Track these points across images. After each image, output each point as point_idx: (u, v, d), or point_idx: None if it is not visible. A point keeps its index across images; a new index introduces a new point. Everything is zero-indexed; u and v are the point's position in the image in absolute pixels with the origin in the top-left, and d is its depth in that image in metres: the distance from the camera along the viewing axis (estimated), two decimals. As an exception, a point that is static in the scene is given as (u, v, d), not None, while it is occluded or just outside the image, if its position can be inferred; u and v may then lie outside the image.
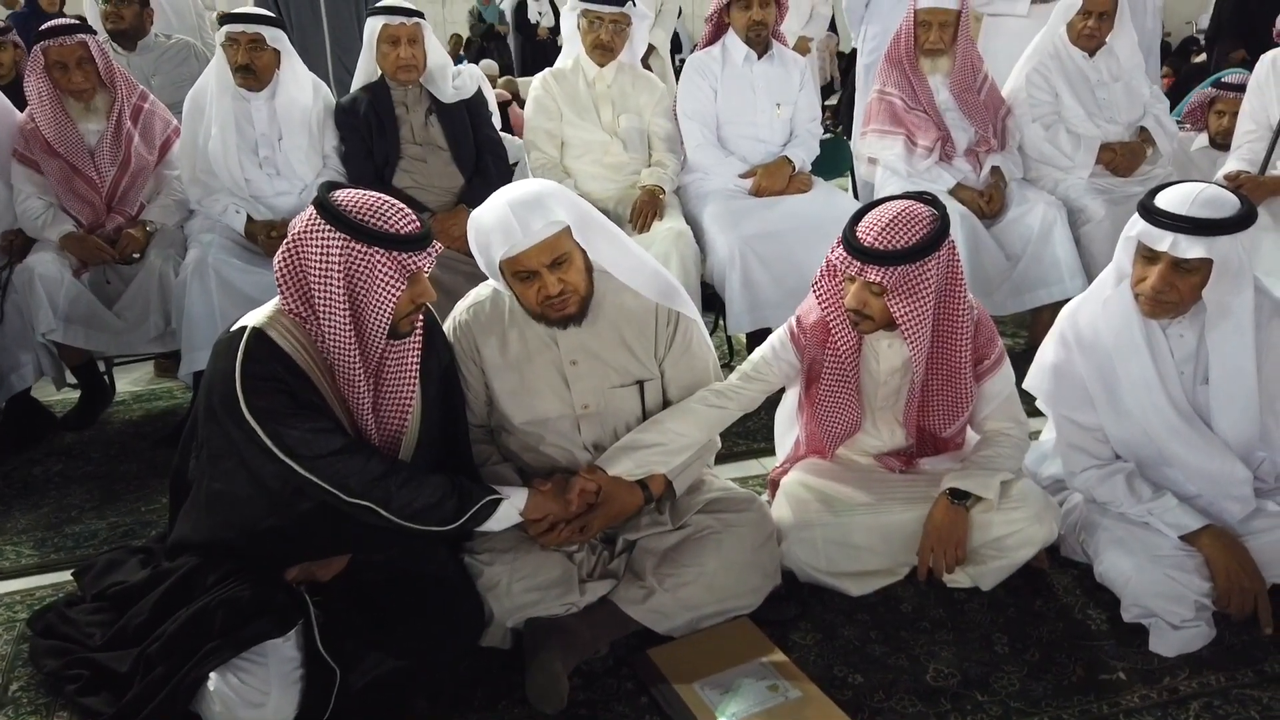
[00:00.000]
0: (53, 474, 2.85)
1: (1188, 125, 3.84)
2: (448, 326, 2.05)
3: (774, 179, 3.28)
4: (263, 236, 3.02)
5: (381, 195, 1.78)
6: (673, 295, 2.04)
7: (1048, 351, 2.12)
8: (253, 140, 3.13)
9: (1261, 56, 3.21)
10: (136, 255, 3.03)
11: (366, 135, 3.10)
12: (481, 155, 3.18)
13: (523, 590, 1.87)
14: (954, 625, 1.98)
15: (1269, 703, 1.74)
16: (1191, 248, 1.82)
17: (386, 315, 1.73)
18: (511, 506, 1.87)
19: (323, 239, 1.70)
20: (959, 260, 1.98)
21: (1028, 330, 3.55)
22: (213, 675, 1.67)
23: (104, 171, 3.08)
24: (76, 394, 3.24)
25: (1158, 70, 4.59)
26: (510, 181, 3.31)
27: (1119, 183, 3.39)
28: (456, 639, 1.84)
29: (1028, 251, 3.25)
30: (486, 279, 2.70)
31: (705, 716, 1.71)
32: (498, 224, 1.83)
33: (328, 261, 1.70)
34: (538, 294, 1.88)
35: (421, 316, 1.87)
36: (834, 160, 3.81)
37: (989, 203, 3.28)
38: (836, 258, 1.97)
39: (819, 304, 2.05)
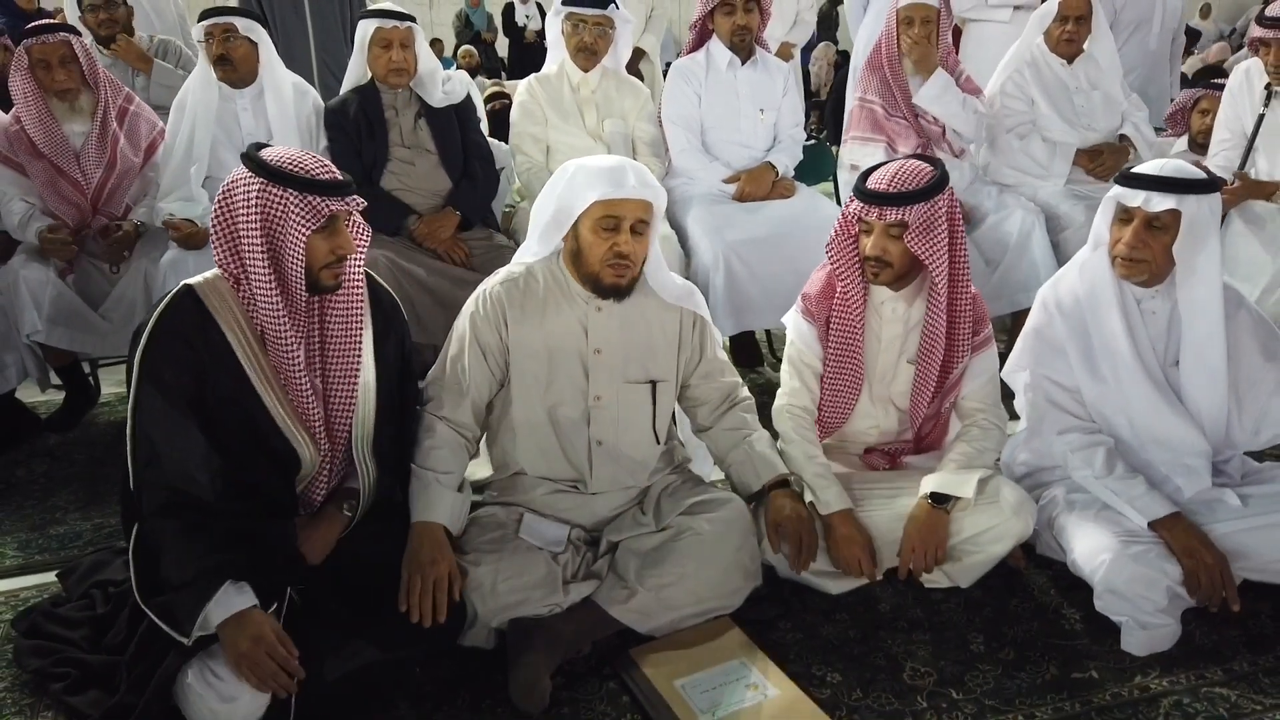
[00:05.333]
0: (37, 475, 2.85)
1: (1168, 130, 3.88)
2: (477, 293, 2.08)
3: (757, 184, 3.32)
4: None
5: (307, 150, 1.84)
6: (692, 298, 2.13)
7: (1030, 319, 2.23)
8: (239, 140, 3.14)
9: (1235, 67, 3.26)
10: (126, 253, 3.05)
11: (356, 137, 3.11)
12: (469, 159, 3.19)
13: (508, 591, 1.89)
14: (931, 625, 2.01)
15: (1237, 700, 1.78)
16: (1162, 202, 1.96)
17: (299, 258, 1.76)
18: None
19: (245, 186, 1.76)
20: (958, 205, 2.11)
21: (1007, 334, 3.59)
22: (190, 669, 1.69)
23: (89, 173, 3.08)
24: (60, 396, 3.24)
25: (1171, 82, 4.58)
26: (496, 186, 3.36)
27: (1098, 189, 3.43)
28: (435, 633, 1.84)
29: (1006, 257, 3.29)
30: (474, 285, 2.73)
31: (686, 715, 1.74)
32: (613, 169, 1.94)
33: (249, 207, 1.75)
34: (609, 248, 1.94)
35: (358, 276, 1.88)
36: (817, 166, 3.85)
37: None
38: (854, 209, 2.09)
39: (830, 262, 2.18)
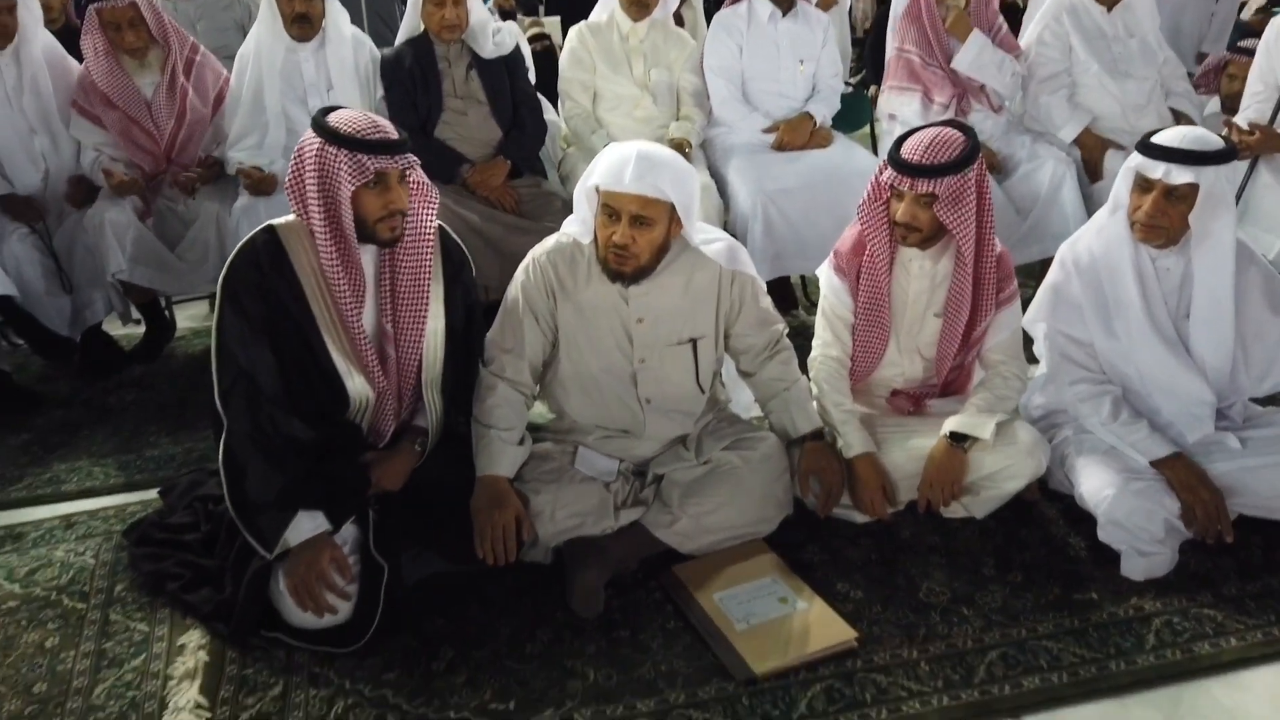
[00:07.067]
0: (127, 403, 3.11)
1: (1201, 88, 3.91)
2: (527, 261, 2.22)
3: (796, 134, 3.44)
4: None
5: (370, 115, 1.99)
6: (737, 258, 2.23)
7: (1049, 275, 2.36)
8: (301, 91, 3.31)
9: (1272, 20, 3.29)
10: (198, 184, 3.25)
11: (411, 88, 3.25)
12: (518, 109, 3.33)
13: (565, 517, 2.10)
14: (947, 550, 2.20)
15: (1223, 620, 1.96)
16: (1182, 175, 2.06)
17: (347, 209, 1.94)
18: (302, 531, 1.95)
19: (309, 146, 1.95)
20: (986, 173, 2.23)
21: (1035, 280, 3.69)
22: (282, 575, 1.93)
23: (162, 125, 3.25)
24: (139, 330, 3.48)
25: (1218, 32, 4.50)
26: (544, 135, 3.48)
27: (1130, 136, 3.49)
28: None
29: (1037, 207, 3.39)
30: (524, 231, 2.88)
31: (723, 623, 1.96)
32: (617, 160, 2.01)
33: (310, 165, 1.94)
34: (608, 236, 2.06)
35: (427, 233, 2.05)
36: (854, 114, 3.94)
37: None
38: (886, 177, 2.21)
39: (861, 223, 2.29)
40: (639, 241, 2.05)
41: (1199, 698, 1.80)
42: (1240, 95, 3.48)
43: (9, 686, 1.90)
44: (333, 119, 1.96)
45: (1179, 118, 3.52)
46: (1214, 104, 3.81)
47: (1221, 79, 3.72)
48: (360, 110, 2.01)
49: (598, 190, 2.07)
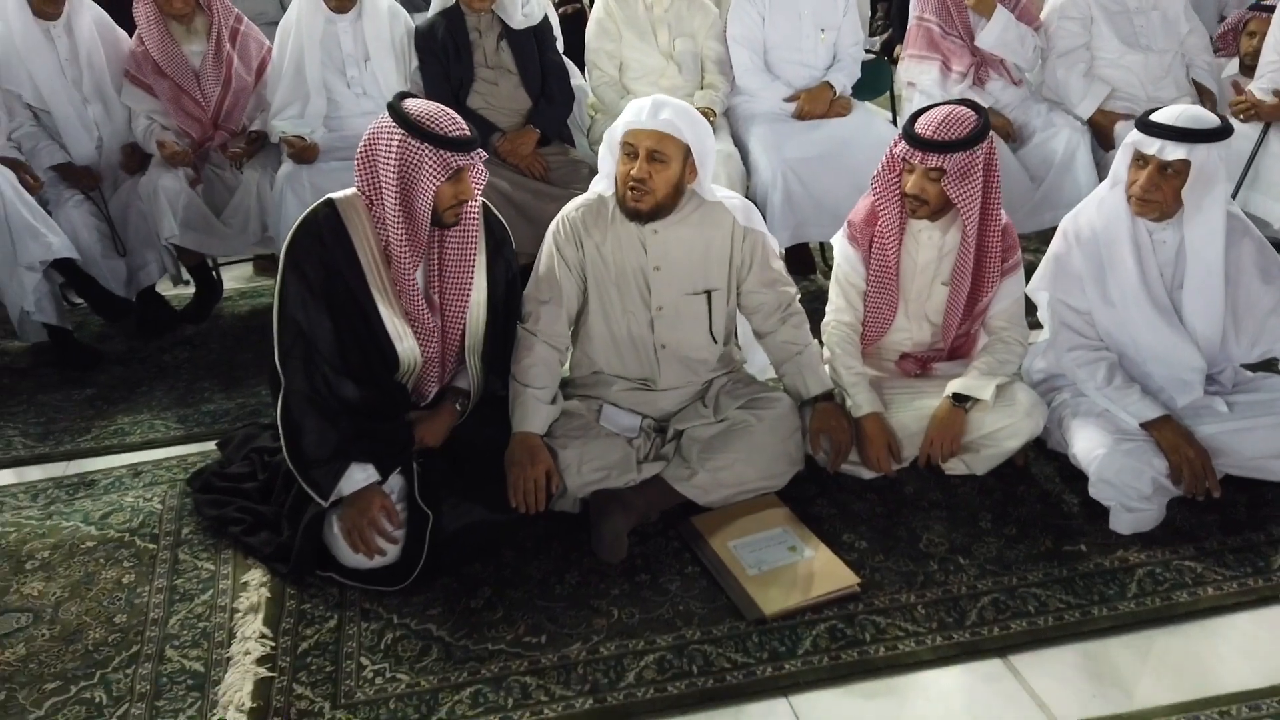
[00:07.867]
0: (181, 361, 3.31)
1: (1221, 50, 3.93)
2: (558, 218, 2.39)
3: (816, 103, 3.53)
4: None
5: (442, 106, 2.12)
6: (751, 217, 2.40)
7: (1051, 246, 2.47)
8: (340, 61, 3.44)
9: (1288, -12, 3.32)
10: (246, 159, 3.41)
11: (444, 59, 3.37)
12: (547, 79, 3.44)
13: (591, 470, 2.27)
14: (948, 505, 2.35)
15: (1202, 572, 2.10)
16: (1175, 151, 2.17)
17: (428, 201, 2.07)
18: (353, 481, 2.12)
19: (389, 134, 2.07)
20: (996, 152, 2.35)
21: (1048, 246, 3.78)
22: (335, 520, 2.11)
23: (209, 92, 3.41)
24: (189, 291, 3.67)
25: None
26: (571, 104, 3.61)
27: (1145, 108, 3.55)
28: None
29: (1050, 175, 3.47)
30: (552, 198, 3.01)
31: (736, 568, 2.13)
32: (637, 104, 2.22)
33: (389, 153, 2.06)
34: (626, 172, 2.22)
35: (474, 212, 2.19)
36: (875, 82, 4.02)
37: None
38: (899, 150, 2.34)
39: (874, 193, 2.42)
40: (655, 178, 2.21)
41: (1173, 640, 1.95)
42: (1258, 52, 3.49)
43: (93, 617, 2.12)
44: (413, 111, 2.06)
45: (1201, 91, 3.56)
46: (1233, 66, 3.82)
47: (1241, 37, 3.73)
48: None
49: (611, 144, 2.24)
